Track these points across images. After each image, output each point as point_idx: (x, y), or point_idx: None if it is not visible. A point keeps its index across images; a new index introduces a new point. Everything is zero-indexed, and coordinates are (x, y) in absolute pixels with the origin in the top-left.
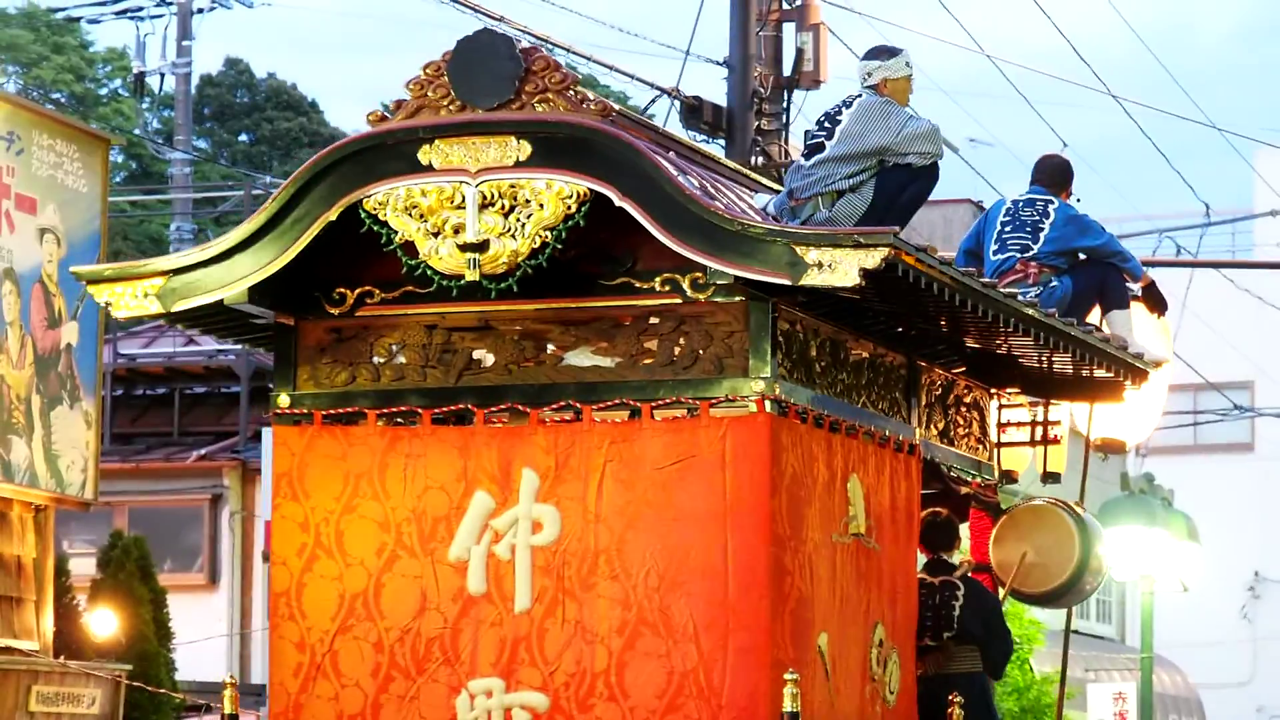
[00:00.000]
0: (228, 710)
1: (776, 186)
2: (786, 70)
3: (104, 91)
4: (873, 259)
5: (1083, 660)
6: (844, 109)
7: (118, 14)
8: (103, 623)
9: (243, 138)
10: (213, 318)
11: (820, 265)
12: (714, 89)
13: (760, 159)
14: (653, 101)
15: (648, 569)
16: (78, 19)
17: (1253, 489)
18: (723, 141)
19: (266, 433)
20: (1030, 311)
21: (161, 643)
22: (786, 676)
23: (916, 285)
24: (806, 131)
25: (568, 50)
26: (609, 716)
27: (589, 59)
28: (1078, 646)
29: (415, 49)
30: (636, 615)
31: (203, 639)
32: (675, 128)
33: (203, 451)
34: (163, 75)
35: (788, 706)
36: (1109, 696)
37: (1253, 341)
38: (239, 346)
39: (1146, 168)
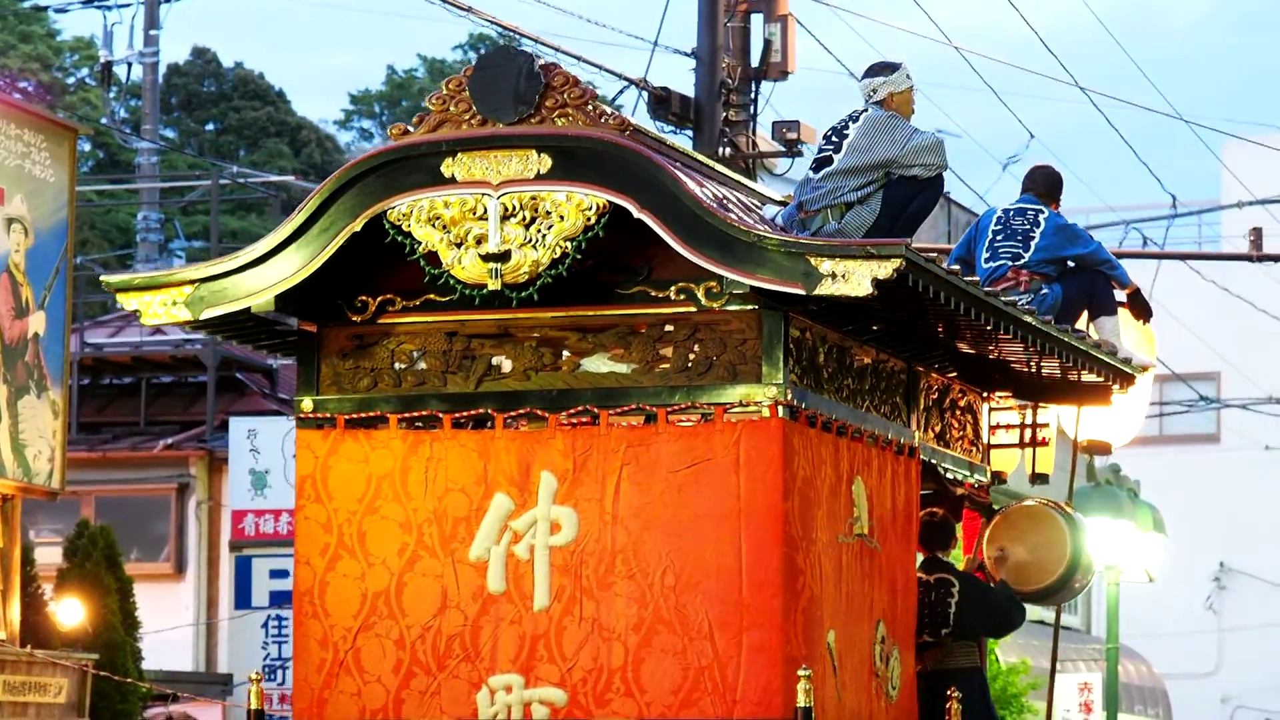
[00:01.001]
0: (254, 705)
1: (776, 196)
2: (754, 61)
3: (71, 81)
4: (885, 269)
5: (1048, 650)
6: (850, 123)
7: (85, 3)
8: (69, 612)
9: (209, 127)
10: (239, 325)
11: (834, 276)
12: (682, 80)
13: (727, 150)
14: (620, 92)
15: (664, 568)
16: (45, 8)
17: (1218, 480)
18: (690, 132)
19: (235, 422)
20: (1031, 320)
21: (128, 632)
22: (800, 673)
23: (925, 294)
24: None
25: (536, 41)
26: (626, 712)
27: (557, 49)
28: (1043, 637)
29: (382, 39)
30: (653, 613)
31: (169, 628)
32: (642, 118)
33: (169, 441)
34: (130, 64)
35: (801, 702)
36: (1075, 687)
37: (1219, 333)
38: (205, 336)
39: (1114, 159)
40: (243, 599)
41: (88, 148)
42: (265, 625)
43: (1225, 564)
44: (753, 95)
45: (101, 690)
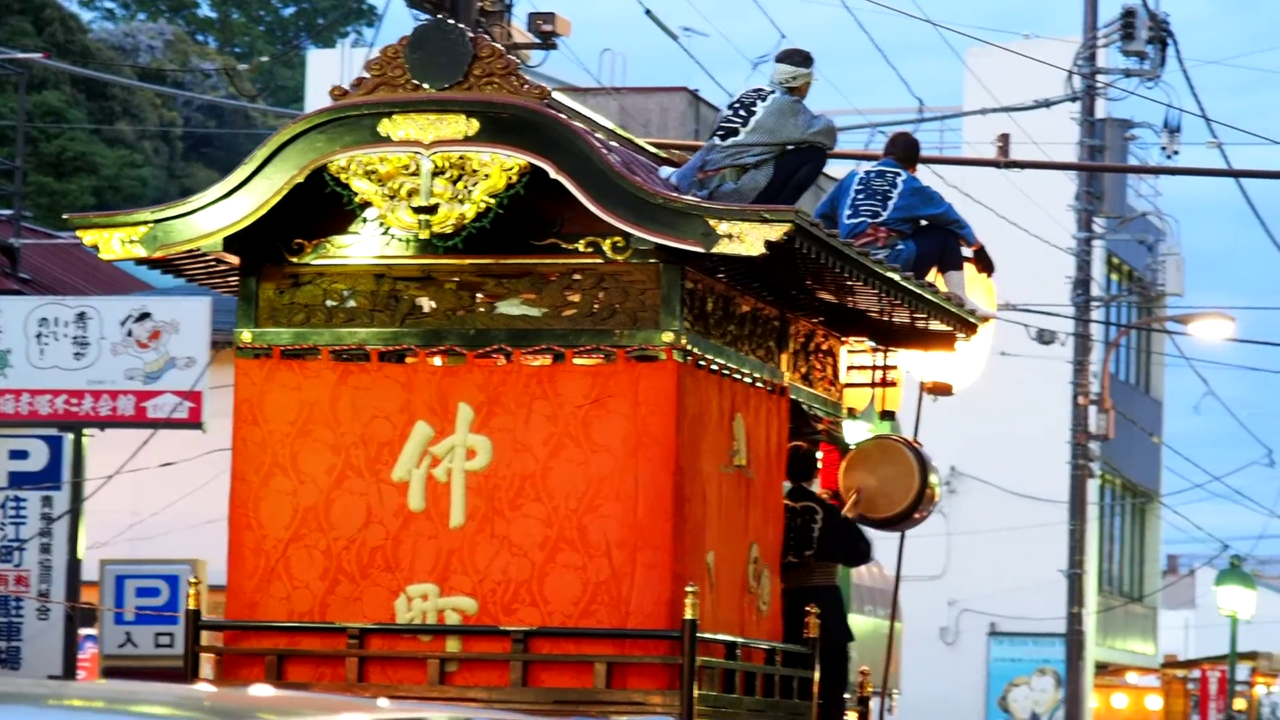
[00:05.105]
0: (191, 606)
1: (667, 158)
2: None
3: None
4: (776, 232)
5: None
6: (759, 101)
7: None
8: None
9: None
10: (188, 262)
11: (730, 236)
12: None
13: None
14: None
15: (568, 493)
16: None
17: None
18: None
19: None
20: (895, 277)
21: None
22: (687, 589)
23: (808, 255)
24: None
25: None
26: (530, 619)
27: None
28: None
29: None
30: (557, 533)
31: None
32: (400, 8)
33: None
34: None
35: (688, 615)
36: None
37: None
38: None
39: (863, 63)
40: None
41: None
42: (4, 506)
43: (956, 469)
44: None
45: None
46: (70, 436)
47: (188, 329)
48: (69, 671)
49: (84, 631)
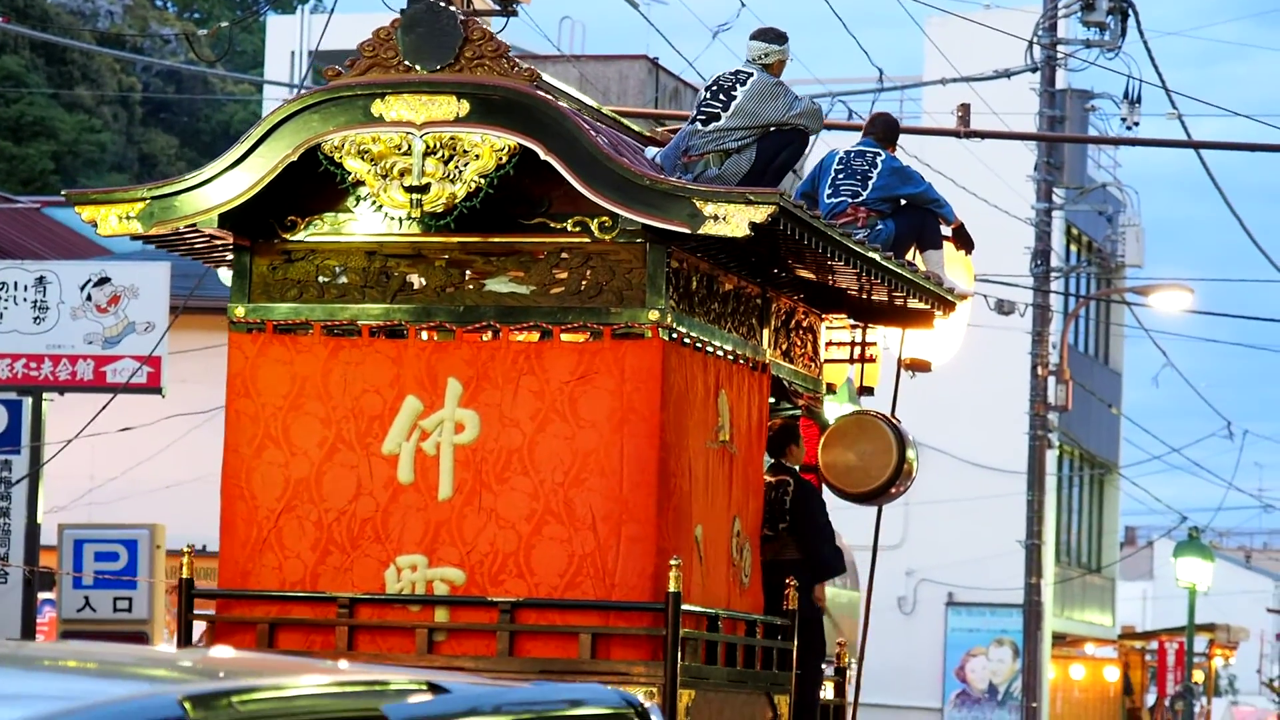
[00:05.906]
0: (185, 575)
1: (652, 136)
2: None
3: None
4: (760, 214)
5: None
6: (738, 85)
7: None
8: None
9: None
10: (184, 238)
11: (716, 218)
12: None
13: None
14: None
15: (554, 467)
16: None
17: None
18: None
19: None
20: (875, 257)
21: None
22: (671, 562)
23: (792, 236)
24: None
25: None
26: (517, 591)
27: None
28: None
29: None
30: (543, 506)
31: None
32: None
33: None
34: None
35: (672, 587)
36: None
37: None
38: None
39: (823, 32)
40: None
41: None
42: None
43: (915, 439)
44: None
45: None
46: (29, 400)
47: (147, 294)
48: (28, 635)
49: (42, 595)
